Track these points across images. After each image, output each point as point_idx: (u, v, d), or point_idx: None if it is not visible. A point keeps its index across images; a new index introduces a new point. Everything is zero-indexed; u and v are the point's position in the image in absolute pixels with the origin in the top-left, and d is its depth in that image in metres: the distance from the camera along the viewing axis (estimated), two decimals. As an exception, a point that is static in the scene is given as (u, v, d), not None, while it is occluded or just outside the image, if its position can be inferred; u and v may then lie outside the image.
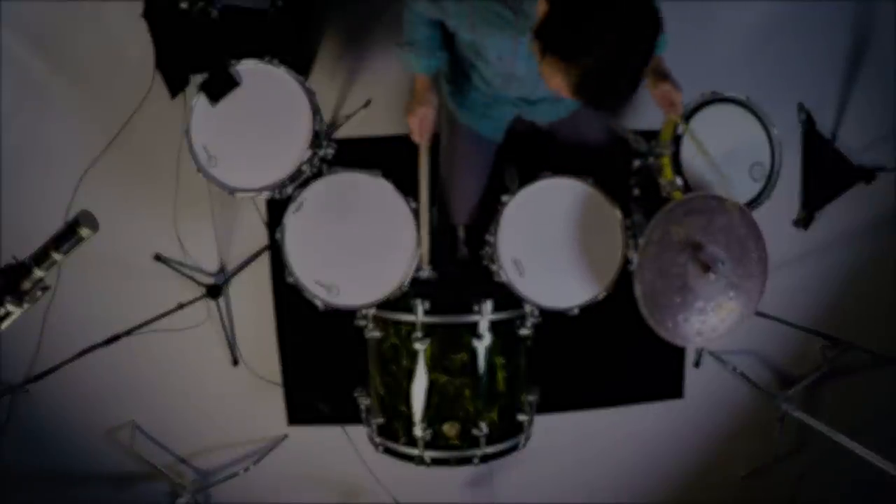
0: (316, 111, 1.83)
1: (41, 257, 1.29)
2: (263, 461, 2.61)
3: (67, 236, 1.29)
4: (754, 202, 1.85)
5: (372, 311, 1.94)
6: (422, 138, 1.78)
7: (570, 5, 1.16)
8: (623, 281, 1.81)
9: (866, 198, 2.61)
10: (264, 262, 2.55)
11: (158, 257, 2.53)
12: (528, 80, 1.65)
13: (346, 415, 2.42)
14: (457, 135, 1.95)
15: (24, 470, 2.64)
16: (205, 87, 1.79)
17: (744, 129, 1.85)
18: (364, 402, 2.05)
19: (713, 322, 1.69)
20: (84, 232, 1.28)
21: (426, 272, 1.93)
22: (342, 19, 2.49)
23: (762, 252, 1.69)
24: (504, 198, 1.86)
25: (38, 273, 1.30)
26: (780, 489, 2.80)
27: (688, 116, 1.82)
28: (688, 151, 1.81)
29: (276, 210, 2.45)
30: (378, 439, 1.99)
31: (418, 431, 1.86)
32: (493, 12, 1.43)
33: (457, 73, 1.85)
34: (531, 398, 2.00)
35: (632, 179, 2.13)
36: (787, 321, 2.54)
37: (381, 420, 1.96)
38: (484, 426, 1.86)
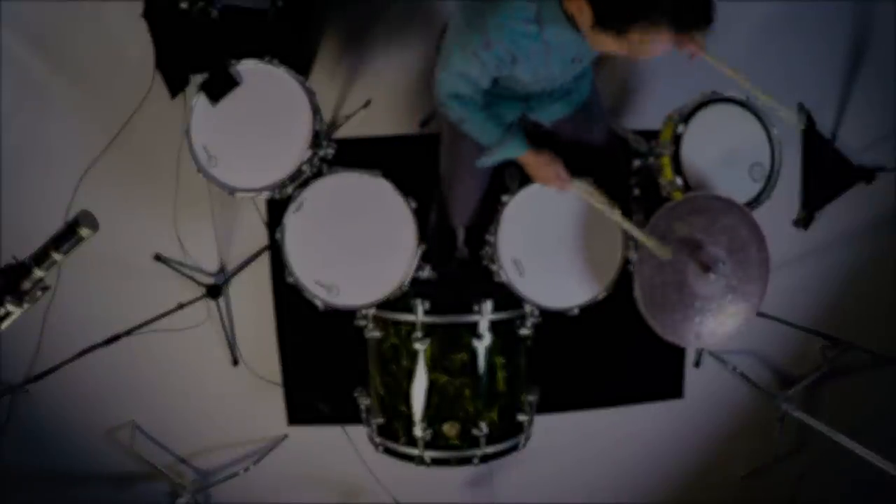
0: (316, 111, 1.83)
1: (41, 257, 1.29)
2: (263, 461, 2.61)
3: (67, 236, 1.29)
4: (754, 202, 1.85)
5: (372, 311, 1.94)
6: (566, 182, 1.74)
7: None
8: (623, 281, 1.81)
9: (866, 198, 2.61)
10: (264, 262, 2.55)
11: (158, 257, 2.53)
12: (557, 78, 1.67)
13: (346, 415, 2.42)
14: (459, 136, 1.95)
15: (24, 470, 2.64)
16: (205, 87, 1.79)
17: (744, 129, 1.85)
18: (364, 402, 2.05)
19: (711, 323, 1.68)
20: (84, 232, 1.28)
21: (426, 272, 1.93)
22: (342, 19, 2.49)
23: (763, 256, 1.69)
24: (504, 198, 1.86)
25: (38, 273, 1.29)
26: (780, 489, 2.80)
27: (687, 116, 1.82)
28: (689, 147, 1.81)
29: (276, 210, 2.45)
30: (378, 439, 1.99)
31: (418, 431, 1.86)
32: (521, 35, 1.42)
33: None
34: (531, 398, 2.00)
35: (632, 179, 2.14)
36: (787, 321, 2.54)
37: (381, 420, 1.96)
38: (484, 426, 1.86)
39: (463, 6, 1.47)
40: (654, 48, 1.26)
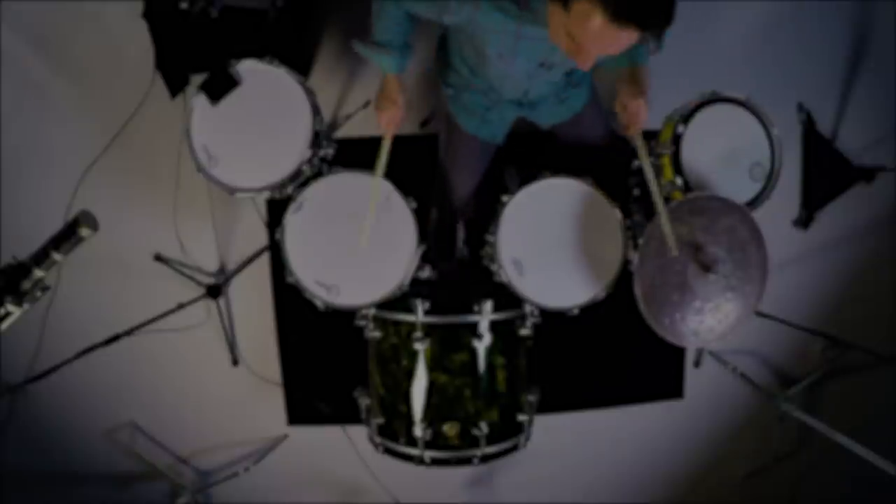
0: (316, 111, 1.83)
1: (41, 257, 1.29)
2: (263, 461, 2.62)
3: (67, 236, 1.29)
4: (754, 202, 1.85)
5: (372, 311, 1.94)
6: (389, 133, 1.80)
7: None
8: (623, 281, 1.81)
9: (866, 198, 2.61)
10: (264, 262, 2.55)
11: (158, 257, 2.53)
12: (521, 79, 1.66)
13: (346, 415, 2.43)
14: (456, 136, 1.95)
15: (24, 470, 2.65)
16: (205, 87, 1.78)
17: (744, 129, 1.85)
18: (364, 402, 2.05)
19: (710, 323, 1.68)
20: (84, 232, 1.28)
21: (426, 272, 1.92)
22: (342, 19, 2.49)
23: (763, 257, 1.69)
24: (504, 198, 1.85)
25: (38, 273, 1.29)
26: (780, 489, 2.80)
27: (688, 116, 1.82)
28: (688, 152, 1.81)
29: (276, 210, 2.45)
30: (378, 439, 1.99)
31: (418, 431, 1.86)
32: (495, 4, 1.43)
33: (455, 76, 1.84)
34: (531, 398, 2.00)
35: (632, 179, 2.13)
36: (788, 321, 2.54)
37: (381, 420, 1.96)
38: (484, 426, 1.86)
39: None
40: (594, 36, 1.23)
